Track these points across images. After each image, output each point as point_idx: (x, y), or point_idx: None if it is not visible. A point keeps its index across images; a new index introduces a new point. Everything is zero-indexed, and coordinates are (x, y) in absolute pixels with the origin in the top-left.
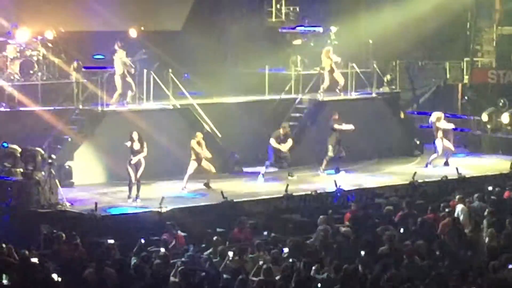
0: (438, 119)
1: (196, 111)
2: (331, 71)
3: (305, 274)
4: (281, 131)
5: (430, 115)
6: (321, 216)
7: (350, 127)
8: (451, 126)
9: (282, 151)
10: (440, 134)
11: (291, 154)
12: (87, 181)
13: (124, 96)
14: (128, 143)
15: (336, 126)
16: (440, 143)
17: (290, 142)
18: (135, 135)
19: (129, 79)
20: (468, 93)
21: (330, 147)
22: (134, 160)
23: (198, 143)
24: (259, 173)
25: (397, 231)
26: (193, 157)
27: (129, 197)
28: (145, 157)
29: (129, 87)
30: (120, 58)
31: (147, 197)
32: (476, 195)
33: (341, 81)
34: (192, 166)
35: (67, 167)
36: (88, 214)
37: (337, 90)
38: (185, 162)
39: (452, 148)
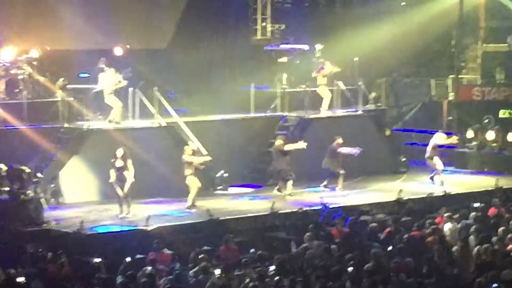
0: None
1: (182, 129)
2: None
3: None
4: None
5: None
6: (307, 233)
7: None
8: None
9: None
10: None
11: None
12: (73, 200)
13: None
14: (113, 160)
15: (342, 150)
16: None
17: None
18: (119, 152)
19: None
20: (453, 110)
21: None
22: (113, 177)
23: (189, 156)
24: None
25: (383, 248)
26: (188, 172)
27: (120, 213)
28: (127, 174)
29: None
30: (111, 76)
31: (133, 215)
32: (462, 212)
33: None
34: (192, 181)
35: (53, 185)
36: (74, 232)
37: (321, 108)
38: (171, 180)
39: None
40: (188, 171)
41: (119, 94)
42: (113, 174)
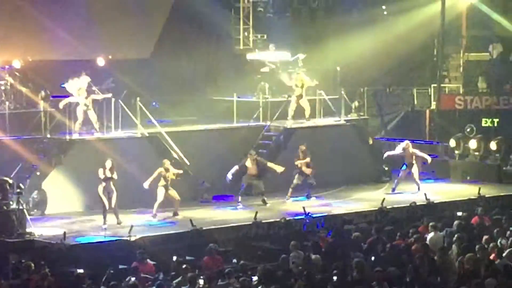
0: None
1: (165, 139)
2: (299, 97)
3: None
4: (248, 160)
5: (399, 141)
6: (292, 242)
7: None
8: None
9: (252, 177)
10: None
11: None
12: (55, 210)
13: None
14: (101, 171)
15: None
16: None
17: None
18: (108, 163)
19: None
20: (435, 119)
21: (296, 176)
22: (101, 188)
23: (166, 169)
24: (228, 200)
25: (366, 258)
26: (161, 183)
27: (104, 224)
28: (114, 185)
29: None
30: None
31: (116, 225)
32: (445, 221)
33: (308, 108)
34: (161, 192)
35: (35, 196)
36: (56, 243)
37: (305, 119)
38: (154, 190)
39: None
40: (160, 182)
41: (100, 103)
42: (101, 185)
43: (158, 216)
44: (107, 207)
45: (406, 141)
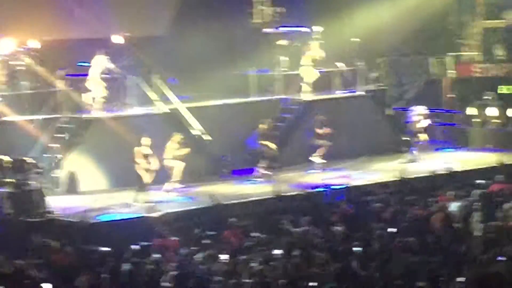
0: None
1: (184, 115)
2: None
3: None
4: (265, 126)
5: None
6: (305, 217)
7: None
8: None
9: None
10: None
11: (281, 153)
12: (76, 189)
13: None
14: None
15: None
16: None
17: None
18: (145, 141)
19: (102, 83)
20: (453, 88)
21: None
22: (143, 164)
23: (179, 143)
24: (249, 173)
25: (387, 228)
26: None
27: (135, 201)
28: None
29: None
30: (98, 62)
31: (138, 203)
32: (466, 189)
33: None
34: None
35: (55, 175)
36: (78, 221)
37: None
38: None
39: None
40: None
41: (114, 81)
42: (142, 161)
43: (179, 191)
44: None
45: (419, 108)
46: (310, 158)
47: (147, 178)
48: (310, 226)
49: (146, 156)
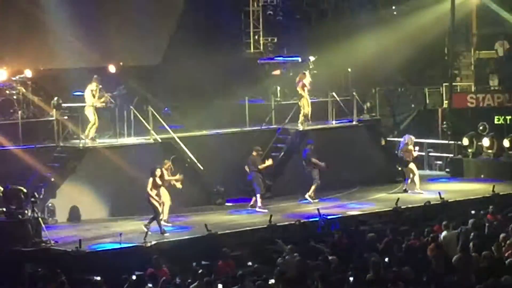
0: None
1: (178, 144)
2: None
3: None
4: (254, 153)
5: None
6: (289, 246)
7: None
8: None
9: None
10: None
11: (275, 183)
12: (70, 219)
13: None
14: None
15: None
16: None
17: (270, 161)
18: (157, 171)
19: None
20: (448, 118)
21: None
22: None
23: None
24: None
25: (382, 258)
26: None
27: (163, 231)
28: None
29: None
30: (90, 90)
31: (131, 232)
32: (459, 219)
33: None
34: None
35: (50, 205)
36: (73, 251)
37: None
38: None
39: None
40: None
41: (112, 111)
42: (152, 192)
43: (172, 221)
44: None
45: (409, 137)
46: (306, 196)
47: (159, 207)
48: (293, 255)
49: (158, 186)
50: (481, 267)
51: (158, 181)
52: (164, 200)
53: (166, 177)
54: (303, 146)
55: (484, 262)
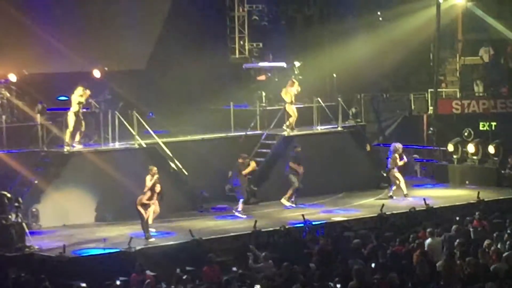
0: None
1: (162, 149)
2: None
3: None
4: (240, 160)
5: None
6: (263, 254)
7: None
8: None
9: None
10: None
11: (260, 188)
12: (54, 224)
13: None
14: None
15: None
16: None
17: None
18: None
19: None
20: (433, 124)
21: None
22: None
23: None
24: (227, 209)
25: (366, 264)
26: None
27: (148, 236)
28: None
29: (79, 127)
30: (76, 95)
31: (116, 238)
32: (444, 226)
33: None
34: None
35: (34, 210)
36: (56, 256)
37: (285, 126)
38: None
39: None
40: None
41: (96, 115)
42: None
43: (157, 226)
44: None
45: (394, 145)
46: (282, 200)
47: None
48: (268, 262)
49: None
50: (466, 273)
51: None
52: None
53: (148, 182)
54: (291, 150)
55: (469, 268)
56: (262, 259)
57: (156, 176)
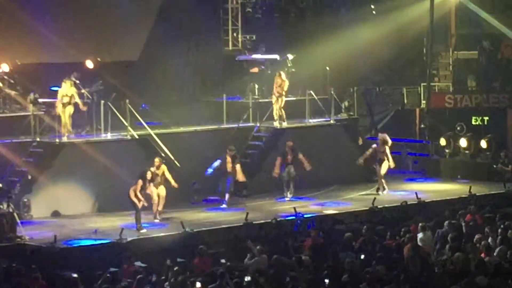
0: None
1: (155, 141)
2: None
3: None
4: (231, 153)
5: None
6: (258, 247)
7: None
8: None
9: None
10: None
11: (252, 181)
12: (46, 214)
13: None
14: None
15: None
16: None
17: (238, 167)
18: (149, 175)
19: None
20: (425, 118)
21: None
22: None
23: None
24: (219, 201)
25: (357, 257)
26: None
27: (139, 228)
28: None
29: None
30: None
31: (106, 228)
32: (436, 220)
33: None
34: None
35: (25, 200)
36: (47, 246)
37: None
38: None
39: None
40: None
41: (89, 106)
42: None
43: (148, 217)
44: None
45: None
46: (285, 198)
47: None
48: (262, 256)
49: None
50: (456, 267)
51: (147, 184)
52: (161, 195)
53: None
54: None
55: (459, 262)
56: (257, 252)
57: (162, 167)
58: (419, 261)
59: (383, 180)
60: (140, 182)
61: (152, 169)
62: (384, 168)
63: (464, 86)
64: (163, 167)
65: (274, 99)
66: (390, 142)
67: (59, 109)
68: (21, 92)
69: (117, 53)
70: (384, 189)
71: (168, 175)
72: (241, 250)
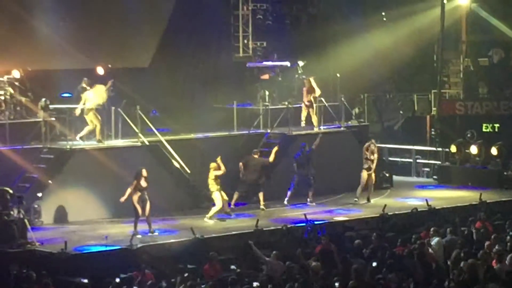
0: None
1: (165, 147)
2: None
3: None
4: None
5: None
6: (274, 252)
7: None
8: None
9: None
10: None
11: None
12: (56, 220)
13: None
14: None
15: None
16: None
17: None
18: (145, 172)
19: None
20: (436, 125)
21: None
22: (136, 197)
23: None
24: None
25: (368, 265)
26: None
27: (135, 233)
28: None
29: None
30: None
31: (117, 235)
32: (446, 226)
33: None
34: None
35: (36, 206)
36: (58, 253)
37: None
38: (154, 199)
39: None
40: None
41: (101, 113)
42: (136, 195)
43: (159, 224)
44: (140, 216)
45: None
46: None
47: (140, 210)
48: (277, 261)
49: (141, 189)
50: (467, 274)
51: (143, 183)
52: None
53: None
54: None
55: (470, 269)
56: (272, 257)
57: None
58: (429, 269)
59: (360, 189)
60: (134, 182)
61: (144, 172)
62: (364, 178)
63: (475, 93)
64: None
65: (303, 107)
66: (376, 153)
67: (91, 116)
68: (32, 99)
69: (128, 59)
70: (357, 198)
71: None
72: (251, 256)
